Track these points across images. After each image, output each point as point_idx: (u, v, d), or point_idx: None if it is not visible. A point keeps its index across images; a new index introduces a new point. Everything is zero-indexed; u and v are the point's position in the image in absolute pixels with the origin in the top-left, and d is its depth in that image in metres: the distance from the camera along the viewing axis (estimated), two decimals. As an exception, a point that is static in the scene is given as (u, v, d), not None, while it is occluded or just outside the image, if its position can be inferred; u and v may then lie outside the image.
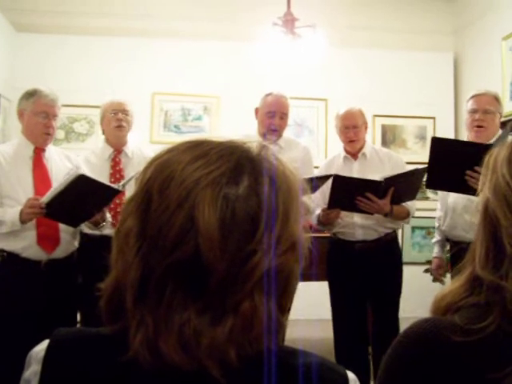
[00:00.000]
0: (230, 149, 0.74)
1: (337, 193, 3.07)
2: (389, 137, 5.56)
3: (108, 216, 2.97)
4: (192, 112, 5.38)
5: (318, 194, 3.20)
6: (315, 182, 3.00)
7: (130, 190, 2.89)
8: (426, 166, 2.84)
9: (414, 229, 5.43)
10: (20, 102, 2.94)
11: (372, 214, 3.14)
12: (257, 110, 3.40)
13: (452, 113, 5.56)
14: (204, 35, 5.28)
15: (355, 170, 3.32)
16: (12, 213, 2.69)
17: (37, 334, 1.01)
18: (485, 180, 0.88)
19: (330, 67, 5.26)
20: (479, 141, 2.87)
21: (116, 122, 3.19)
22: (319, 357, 0.74)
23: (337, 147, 3.49)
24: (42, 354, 0.76)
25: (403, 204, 3.23)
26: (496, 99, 3.04)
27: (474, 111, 3.01)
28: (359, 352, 3.30)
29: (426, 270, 4.45)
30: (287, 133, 3.52)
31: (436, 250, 3.43)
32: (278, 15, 4.24)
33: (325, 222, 3.25)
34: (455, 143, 2.96)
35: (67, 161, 3.03)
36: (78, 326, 3.07)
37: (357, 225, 3.27)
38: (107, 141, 3.26)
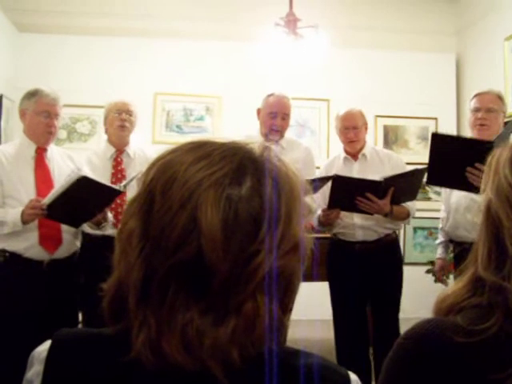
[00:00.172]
0: (233, 150, 0.74)
1: (337, 193, 3.07)
2: (391, 137, 5.56)
3: (110, 216, 2.98)
4: (194, 112, 5.38)
5: (318, 194, 3.20)
6: (316, 183, 3.00)
7: (131, 191, 2.89)
8: (426, 165, 2.83)
9: (415, 229, 5.42)
10: (22, 101, 2.94)
11: (372, 214, 3.14)
12: (259, 111, 3.40)
13: (454, 113, 5.55)
14: (206, 35, 5.28)
15: (355, 171, 3.32)
16: (14, 213, 2.69)
17: (39, 334, 1.02)
18: (487, 181, 0.88)
19: (332, 68, 5.26)
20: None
21: (119, 122, 3.19)
22: (321, 357, 0.74)
23: (338, 148, 3.49)
24: (45, 354, 0.76)
25: (403, 204, 3.22)
26: (499, 98, 3.03)
27: (476, 110, 3.00)
28: (360, 353, 3.30)
29: (428, 271, 4.45)
30: (289, 133, 3.52)
31: (439, 252, 3.42)
32: (279, 15, 4.24)
33: (325, 222, 3.25)
34: (455, 139, 2.93)
35: (69, 161, 3.04)
36: (80, 326, 3.07)
37: (357, 226, 3.27)
38: (109, 140, 3.27)
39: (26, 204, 2.68)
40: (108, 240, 2.94)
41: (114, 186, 2.92)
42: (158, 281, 0.69)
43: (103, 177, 3.00)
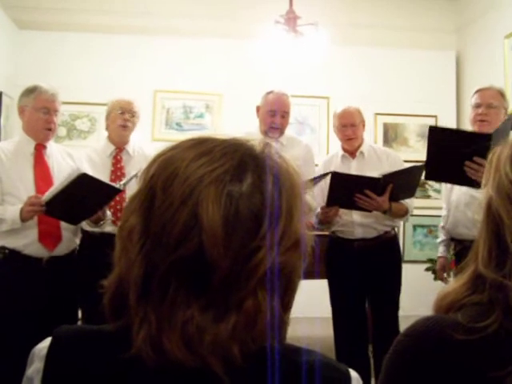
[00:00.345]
0: (234, 146, 0.74)
1: (335, 190, 3.07)
2: (390, 135, 5.56)
3: (108, 214, 2.97)
4: (194, 110, 5.38)
5: (317, 192, 3.21)
6: (314, 181, 3.00)
7: (130, 189, 2.89)
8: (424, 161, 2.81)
9: (415, 227, 5.43)
10: (20, 98, 2.94)
11: (370, 211, 3.14)
12: (258, 109, 3.40)
13: (454, 111, 5.55)
14: (205, 33, 5.28)
15: (353, 169, 3.32)
16: (12, 211, 2.69)
17: (38, 332, 1.02)
18: (488, 178, 0.88)
19: (332, 65, 5.26)
20: None
21: (122, 122, 3.18)
22: (322, 355, 0.75)
23: (338, 145, 3.49)
24: (45, 351, 0.76)
25: (401, 201, 3.23)
26: (501, 94, 3.01)
27: (477, 105, 2.99)
28: (359, 350, 3.30)
29: (428, 269, 4.45)
30: (289, 131, 3.52)
31: (441, 250, 3.41)
32: (279, 13, 4.24)
33: (323, 220, 3.25)
34: (453, 132, 2.90)
35: (69, 158, 3.04)
36: (79, 323, 3.07)
37: (356, 223, 3.27)
38: (110, 138, 3.26)
39: (25, 201, 2.68)
40: (107, 237, 2.94)
41: (113, 184, 2.92)
42: (158, 277, 0.69)
43: (102, 174, 3.00)
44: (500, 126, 2.68)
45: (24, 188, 2.78)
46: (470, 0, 5.49)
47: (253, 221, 0.69)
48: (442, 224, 3.39)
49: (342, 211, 3.22)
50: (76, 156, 3.10)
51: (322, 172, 3.29)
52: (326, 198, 3.13)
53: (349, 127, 3.31)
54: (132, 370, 0.70)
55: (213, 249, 0.67)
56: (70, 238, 2.92)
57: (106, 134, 3.33)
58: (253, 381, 0.70)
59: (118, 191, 2.86)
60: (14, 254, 2.75)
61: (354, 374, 0.76)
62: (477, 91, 3.05)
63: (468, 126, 3.15)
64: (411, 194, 3.25)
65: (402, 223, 3.56)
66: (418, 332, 0.82)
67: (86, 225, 3.01)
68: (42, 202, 2.65)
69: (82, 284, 2.93)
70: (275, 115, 3.28)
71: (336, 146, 3.54)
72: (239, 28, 5.15)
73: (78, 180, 2.62)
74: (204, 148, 0.73)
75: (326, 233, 3.45)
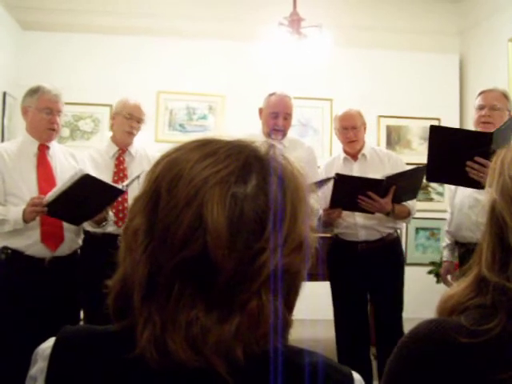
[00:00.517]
0: (239, 148, 0.74)
1: (338, 192, 3.07)
2: (393, 138, 5.55)
3: (111, 214, 2.98)
4: (197, 111, 5.38)
5: (320, 194, 3.20)
6: (318, 185, 3.00)
7: (132, 190, 2.89)
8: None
9: (417, 230, 5.42)
10: (24, 99, 2.94)
11: (373, 213, 3.14)
12: (260, 110, 3.39)
13: (457, 114, 5.54)
14: (209, 34, 5.28)
15: (355, 171, 3.32)
16: (15, 211, 2.69)
17: (40, 332, 1.02)
18: (492, 181, 0.88)
19: (336, 67, 5.26)
20: None
21: (128, 128, 3.16)
22: (325, 357, 0.75)
23: (340, 148, 3.49)
24: (49, 351, 0.76)
25: (404, 203, 3.23)
26: (505, 96, 2.99)
27: (481, 107, 2.98)
28: (361, 352, 3.30)
29: (430, 272, 4.45)
30: (292, 133, 3.52)
31: (445, 254, 3.38)
32: (283, 15, 4.24)
33: (327, 222, 3.25)
34: (455, 132, 2.88)
35: (72, 159, 3.04)
36: (81, 323, 3.07)
37: (359, 225, 3.27)
38: (113, 138, 3.25)
39: (28, 202, 2.68)
40: (109, 238, 2.95)
41: (116, 185, 2.92)
42: (163, 278, 0.69)
43: (105, 175, 3.00)
44: (502, 125, 2.66)
45: (27, 188, 2.78)
46: (474, 3, 5.49)
47: (257, 222, 0.69)
48: (446, 228, 3.38)
49: (345, 213, 3.22)
50: (79, 157, 3.10)
51: (323, 175, 3.30)
52: (328, 201, 3.13)
53: (350, 130, 3.31)
54: (136, 371, 0.70)
55: (217, 250, 0.67)
56: (72, 238, 2.92)
57: (109, 134, 3.32)
58: (256, 382, 0.70)
59: (121, 192, 2.86)
60: (16, 255, 2.75)
61: (356, 376, 0.76)
62: (480, 93, 3.04)
63: (471, 129, 3.14)
64: (414, 196, 3.26)
65: (404, 225, 3.55)
66: (422, 334, 0.82)
67: (88, 225, 3.02)
68: (44, 203, 2.65)
69: (84, 284, 2.93)
70: (278, 117, 3.28)
71: (339, 148, 3.54)
72: (243, 30, 5.15)
73: (81, 181, 2.62)
74: (209, 149, 0.73)
75: (328, 235, 3.45)
